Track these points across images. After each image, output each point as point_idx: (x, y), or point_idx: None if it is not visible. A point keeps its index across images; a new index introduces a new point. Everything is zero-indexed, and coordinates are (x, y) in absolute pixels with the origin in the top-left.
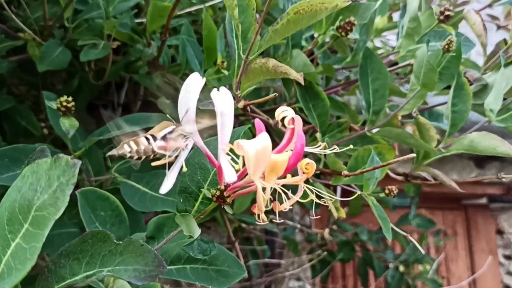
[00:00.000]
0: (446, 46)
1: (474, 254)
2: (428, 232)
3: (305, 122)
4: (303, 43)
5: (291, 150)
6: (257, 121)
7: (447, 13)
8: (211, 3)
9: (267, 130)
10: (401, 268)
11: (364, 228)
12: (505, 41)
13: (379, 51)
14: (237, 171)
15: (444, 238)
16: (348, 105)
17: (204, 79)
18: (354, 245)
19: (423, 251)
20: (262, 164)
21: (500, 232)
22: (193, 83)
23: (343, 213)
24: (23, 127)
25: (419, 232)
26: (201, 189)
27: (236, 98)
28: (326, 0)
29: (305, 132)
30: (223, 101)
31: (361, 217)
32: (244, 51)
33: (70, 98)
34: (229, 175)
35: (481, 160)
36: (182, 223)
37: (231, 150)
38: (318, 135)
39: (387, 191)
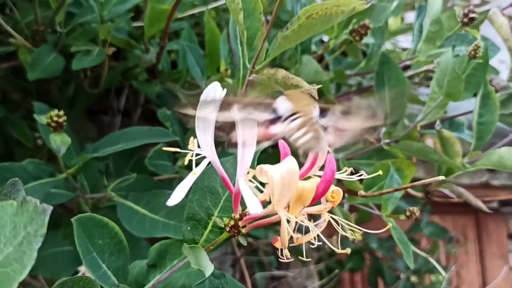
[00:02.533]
0: (473, 52)
1: (485, 259)
2: (439, 239)
3: None
4: (313, 47)
5: (314, 175)
6: (281, 143)
7: (471, 15)
8: (214, 5)
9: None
10: (413, 278)
11: (374, 236)
12: None
13: (391, 54)
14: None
15: (456, 246)
16: None
17: (225, 89)
18: (364, 254)
19: (437, 265)
20: (288, 193)
21: (511, 236)
22: (214, 94)
23: (359, 235)
24: (15, 137)
25: (431, 239)
26: (211, 216)
27: None
28: (342, 3)
29: None
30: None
31: (370, 224)
32: (250, 59)
33: (61, 112)
34: (254, 207)
35: None
36: (190, 255)
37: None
38: (330, 149)
39: (408, 213)
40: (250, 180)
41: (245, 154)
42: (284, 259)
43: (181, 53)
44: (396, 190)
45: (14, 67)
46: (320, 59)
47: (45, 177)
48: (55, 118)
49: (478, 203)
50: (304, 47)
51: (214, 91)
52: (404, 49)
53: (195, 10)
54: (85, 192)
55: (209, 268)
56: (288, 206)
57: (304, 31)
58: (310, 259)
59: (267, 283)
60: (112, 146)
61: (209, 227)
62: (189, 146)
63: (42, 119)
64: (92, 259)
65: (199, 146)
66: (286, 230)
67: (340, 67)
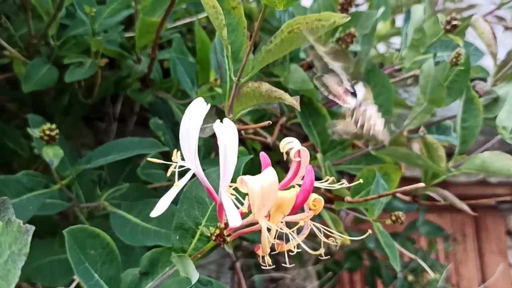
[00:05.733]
0: (454, 60)
1: (484, 256)
2: (437, 237)
3: (305, 138)
4: (302, 54)
5: (297, 184)
6: (262, 155)
7: (454, 22)
8: (205, 14)
9: (266, 148)
10: (410, 277)
11: (371, 235)
12: None
13: (380, 58)
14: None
15: (453, 243)
16: None
17: (209, 105)
18: (362, 254)
19: (425, 265)
20: (268, 203)
21: (510, 233)
22: (196, 109)
23: (347, 240)
24: (11, 147)
25: (428, 238)
26: (199, 225)
27: None
28: (323, 16)
29: None
30: (227, 133)
31: (368, 224)
32: (235, 72)
33: (53, 126)
34: (234, 220)
35: None
36: (178, 263)
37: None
38: (318, 155)
39: (394, 218)
40: (232, 193)
41: (227, 168)
42: (266, 266)
43: (171, 65)
44: (380, 196)
45: (10, 78)
46: (311, 66)
47: (39, 189)
48: (47, 132)
49: (463, 205)
50: (292, 55)
51: (198, 106)
52: (398, 50)
53: (186, 20)
54: (80, 202)
55: (195, 276)
56: (269, 215)
57: (287, 45)
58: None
59: (266, 285)
60: (105, 157)
61: (197, 236)
62: (173, 158)
63: (35, 132)
64: (84, 269)
65: (182, 158)
66: (267, 238)
67: None
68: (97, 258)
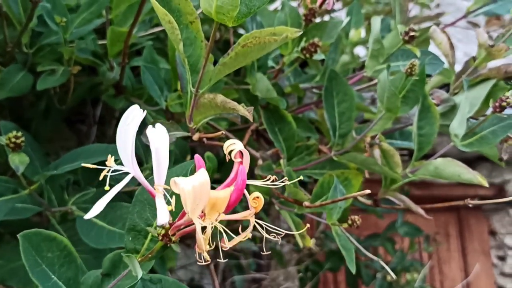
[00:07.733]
0: (409, 70)
1: (467, 256)
2: (420, 237)
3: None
4: (271, 62)
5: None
6: (196, 157)
7: (411, 33)
8: None
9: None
10: (389, 277)
11: (351, 236)
12: (474, 58)
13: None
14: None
15: (434, 244)
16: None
17: (145, 112)
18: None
19: (387, 267)
20: (201, 202)
21: (492, 233)
22: (133, 115)
23: (309, 242)
24: None
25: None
26: (151, 227)
27: (191, 131)
28: (277, 31)
29: (276, 155)
30: (158, 137)
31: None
32: (193, 83)
33: (19, 134)
34: (162, 218)
35: (472, 162)
36: (129, 263)
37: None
38: (282, 161)
39: (350, 222)
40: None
41: (160, 169)
42: (202, 262)
43: (141, 72)
44: (334, 201)
45: None
46: (283, 72)
47: (8, 194)
48: (13, 140)
49: (418, 209)
50: (260, 63)
51: (134, 112)
52: None
53: (155, 29)
54: (52, 206)
55: (139, 273)
56: (205, 214)
57: (241, 58)
58: (290, 261)
59: (248, 285)
60: (71, 163)
61: (149, 237)
62: (107, 163)
63: (1, 140)
64: (41, 271)
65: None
66: (201, 236)
67: (299, 80)
68: (55, 261)
